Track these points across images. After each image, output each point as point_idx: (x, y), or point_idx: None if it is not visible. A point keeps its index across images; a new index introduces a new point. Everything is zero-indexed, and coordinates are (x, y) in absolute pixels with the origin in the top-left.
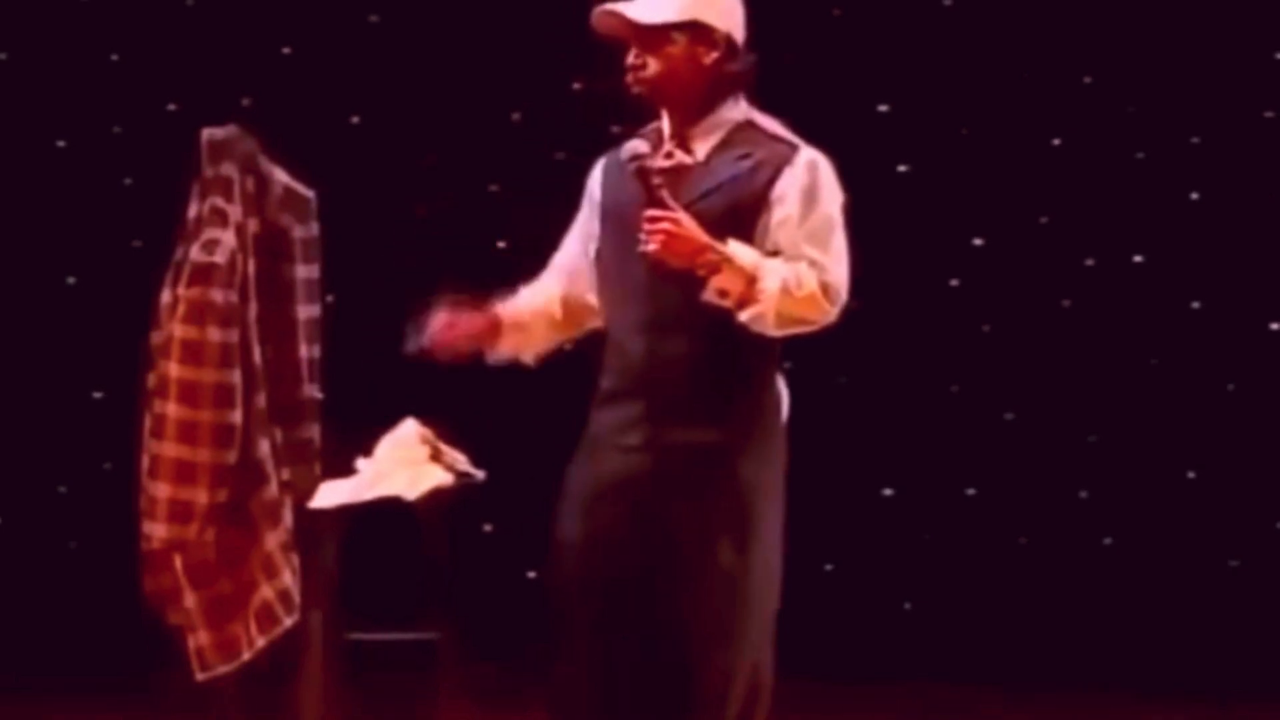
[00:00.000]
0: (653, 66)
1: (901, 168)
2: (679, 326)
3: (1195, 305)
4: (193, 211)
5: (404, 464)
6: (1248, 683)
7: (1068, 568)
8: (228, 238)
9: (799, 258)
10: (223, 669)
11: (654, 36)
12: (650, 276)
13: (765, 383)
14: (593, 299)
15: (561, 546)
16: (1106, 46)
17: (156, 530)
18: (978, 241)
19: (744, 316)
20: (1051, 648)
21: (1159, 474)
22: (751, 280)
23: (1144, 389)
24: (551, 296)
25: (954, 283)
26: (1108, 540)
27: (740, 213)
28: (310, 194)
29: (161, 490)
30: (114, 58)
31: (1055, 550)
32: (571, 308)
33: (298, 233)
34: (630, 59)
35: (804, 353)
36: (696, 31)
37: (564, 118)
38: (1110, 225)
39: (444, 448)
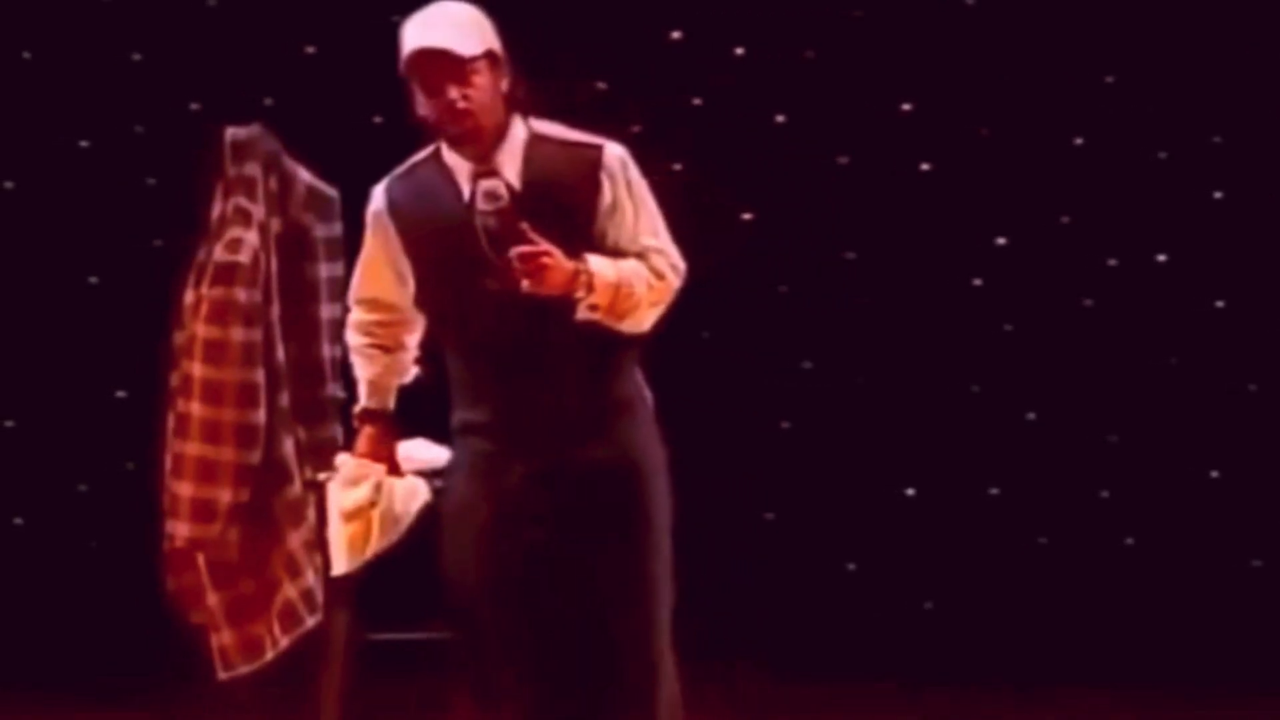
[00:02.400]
0: (472, 100)
1: (924, 166)
2: (542, 356)
3: (1218, 305)
4: (216, 211)
5: (383, 512)
6: (1271, 683)
7: (1090, 568)
8: (251, 237)
9: (642, 250)
10: (246, 669)
11: (466, 70)
12: (500, 313)
13: (628, 375)
14: (407, 334)
15: (467, 578)
16: (1128, 45)
17: (179, 529)
18: (1000, 241)
19: (622, 325)
20: (1073, 647)
21: (1181, 474)
22: (618, 288)
23: (1166, 389)
24: (384, 345)
25: (976, 282)
26: (1130, 540)
27: (575, 226)
28: (334, 193)
29: (184, 489)
30: (136, 57)
31: (1077, 550)
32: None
33: (321, 232)
34: (452, 95)
35: (827, 353)
36: (492, 60)
37: (583, 120)
38: (1133, 225)
39: (391, 452)
